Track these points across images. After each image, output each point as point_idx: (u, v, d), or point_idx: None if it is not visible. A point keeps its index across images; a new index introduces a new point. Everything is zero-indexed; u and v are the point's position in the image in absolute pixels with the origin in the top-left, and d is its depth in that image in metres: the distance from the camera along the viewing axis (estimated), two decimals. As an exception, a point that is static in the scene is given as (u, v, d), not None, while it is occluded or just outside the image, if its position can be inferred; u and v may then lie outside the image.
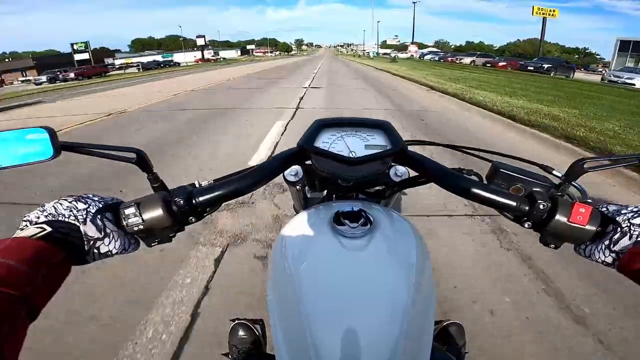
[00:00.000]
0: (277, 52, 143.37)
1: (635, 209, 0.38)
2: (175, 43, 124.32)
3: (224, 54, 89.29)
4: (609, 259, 0.38)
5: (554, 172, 0.50)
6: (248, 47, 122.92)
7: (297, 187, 0.57)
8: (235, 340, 0.82)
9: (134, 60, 57.11)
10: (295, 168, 0.55)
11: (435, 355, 0.39)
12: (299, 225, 0.48)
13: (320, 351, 0.33)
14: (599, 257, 0.39)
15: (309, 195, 0.62)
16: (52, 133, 0.40)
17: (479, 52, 42.91)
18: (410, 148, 0.53)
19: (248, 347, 0.80)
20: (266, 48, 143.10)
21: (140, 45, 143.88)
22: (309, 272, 0.40)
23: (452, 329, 0.83)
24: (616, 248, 0.37)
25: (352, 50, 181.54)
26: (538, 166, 0.54)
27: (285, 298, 0.41)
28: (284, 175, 0.55)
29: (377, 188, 0.60)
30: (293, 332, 0.37)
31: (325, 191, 0.61)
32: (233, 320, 0.86)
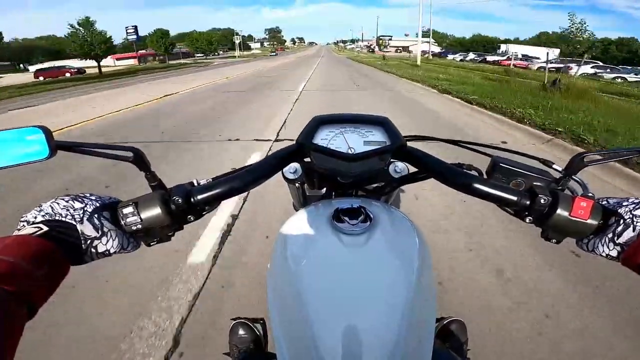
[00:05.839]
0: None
1: (637, 201, 0.38)
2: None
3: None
4: (614, 252, 0.38)
5: (554, 166, 0.50)
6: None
7: (297, 184, 0.56)
8: (235, 339, 0.82)
9: None
10: (294, 165, 0.55)
11: (436, 352, 0.38)
12: (299, 222, 0.48)
13: (321, 349, 0.32)
14: (603, 251, 0.39)
15: (308, 193, 0.62)
16: (47, 132, 0.39)
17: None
18: (409, 144, 0.53)
19: (249, 346, 0.80)
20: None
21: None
22: (309, 270, 0.40)
23: (454, 326, 0.82)
24: (620, 240, 0.37)
25: (369, 47, 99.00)
26: (538, 160, 0.53)
27: (285, 296, 0.40)
28: (282, 173, 0.54)
29: (377, 185, 0.60)
30: (294, 330, 0.37)
31: (325, 188, 0.60)
32: (234, 320, 0.85)
